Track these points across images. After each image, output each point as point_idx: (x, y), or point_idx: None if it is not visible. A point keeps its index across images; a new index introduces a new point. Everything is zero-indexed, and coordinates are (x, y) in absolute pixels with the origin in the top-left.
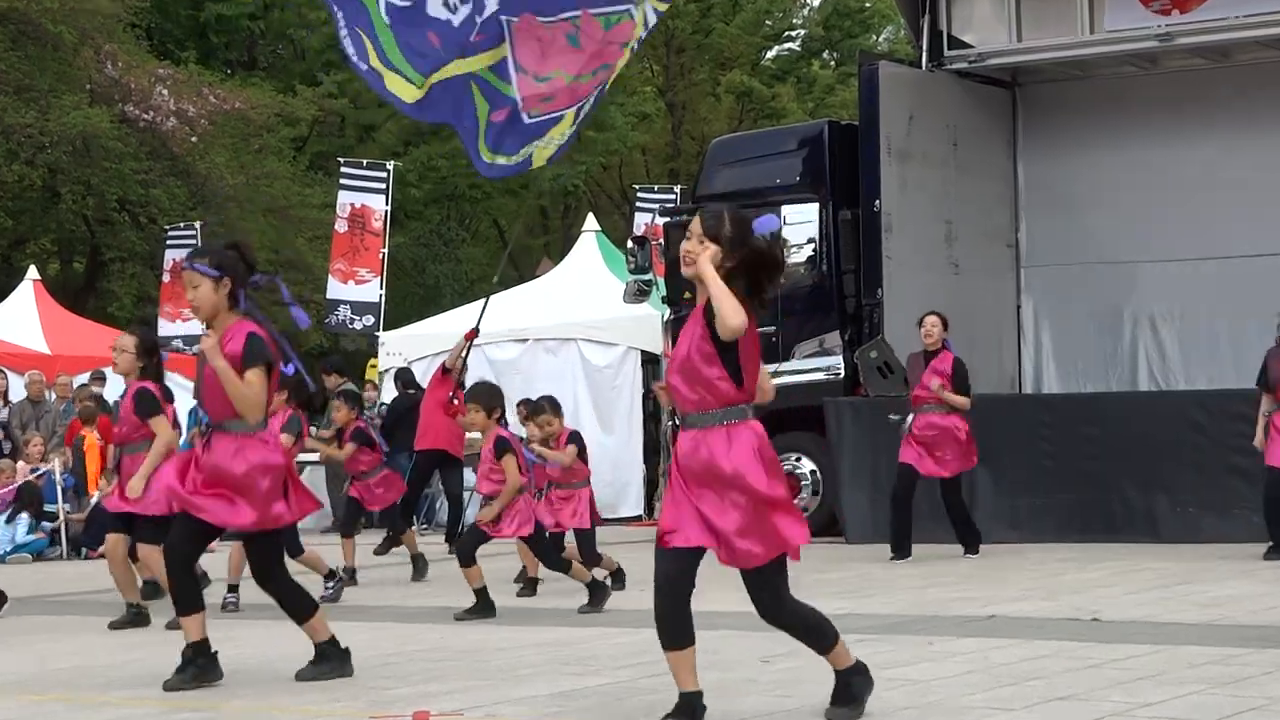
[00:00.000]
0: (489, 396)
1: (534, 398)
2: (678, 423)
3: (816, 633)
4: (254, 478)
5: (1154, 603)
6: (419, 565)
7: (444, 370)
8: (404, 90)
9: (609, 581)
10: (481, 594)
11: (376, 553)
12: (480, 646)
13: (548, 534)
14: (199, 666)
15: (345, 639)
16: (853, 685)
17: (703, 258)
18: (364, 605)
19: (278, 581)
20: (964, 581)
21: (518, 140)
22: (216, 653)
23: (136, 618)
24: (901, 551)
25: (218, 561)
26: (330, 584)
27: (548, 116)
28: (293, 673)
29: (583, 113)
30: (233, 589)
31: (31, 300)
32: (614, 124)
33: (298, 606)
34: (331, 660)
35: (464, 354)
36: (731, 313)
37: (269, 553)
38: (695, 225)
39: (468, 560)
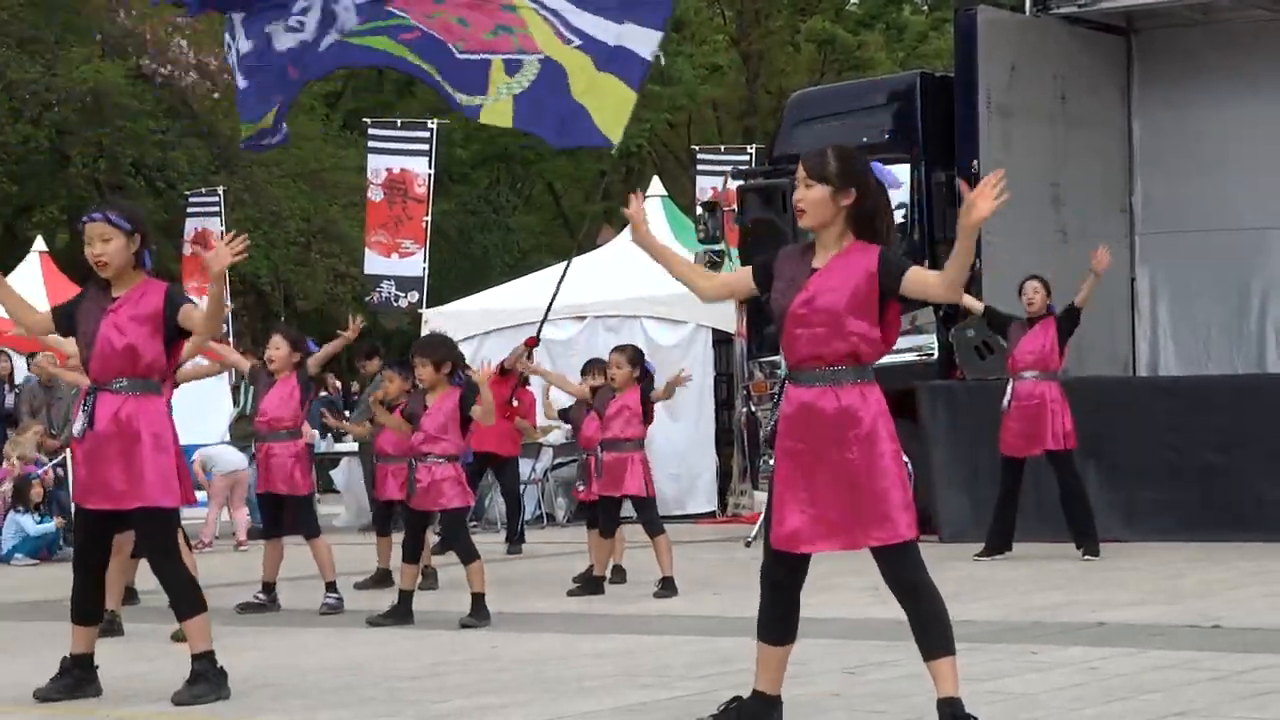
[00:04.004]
0: (438, 350)
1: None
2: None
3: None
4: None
5: None
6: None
7: (502, 370)
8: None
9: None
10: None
11: (435, 552)
12: (538, 656)
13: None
14: (74, 678)
15: (383, 646)
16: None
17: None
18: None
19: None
20: (1072, 584)
21: (474, 77)
22: (98, 667)
23: (110, 626)
24: (998, 549)
25: (230, 561)
26: (258, 594)
27: (478, 56)
28: (328, 684)
29: (515, 71)
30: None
31: (38, 274)
32: (682, 77)
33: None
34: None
35: (522, 358)
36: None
37: (168, 532)
38: (801, 170)
39: (470, 554)
